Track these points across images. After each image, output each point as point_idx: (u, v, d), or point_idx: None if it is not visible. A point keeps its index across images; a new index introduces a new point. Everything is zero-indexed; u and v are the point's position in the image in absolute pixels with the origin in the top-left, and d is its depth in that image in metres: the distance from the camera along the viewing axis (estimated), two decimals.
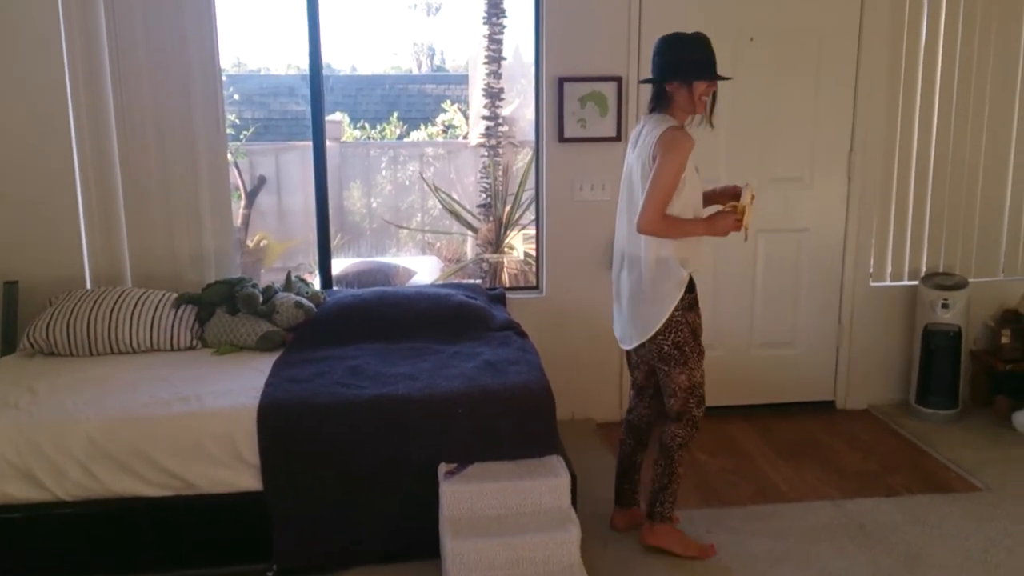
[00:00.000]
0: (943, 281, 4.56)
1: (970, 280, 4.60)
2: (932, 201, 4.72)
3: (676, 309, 3.10)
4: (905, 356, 4.75)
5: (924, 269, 4.77)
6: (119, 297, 3.84)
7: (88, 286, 4.12)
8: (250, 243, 7.22)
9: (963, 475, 3.95)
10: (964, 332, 4.52)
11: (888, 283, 4.78)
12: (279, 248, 7.38)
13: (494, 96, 7.03)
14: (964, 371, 4.62)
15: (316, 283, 4.60)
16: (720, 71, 3.07)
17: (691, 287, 3.14)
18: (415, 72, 11.40)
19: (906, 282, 4.77)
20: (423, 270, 6.90)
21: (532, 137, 4.65)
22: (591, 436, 4.45)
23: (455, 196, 7.56)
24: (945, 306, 4.46)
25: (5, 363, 3.70)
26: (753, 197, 3.06)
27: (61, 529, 3.05)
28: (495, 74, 7.01)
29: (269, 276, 6.66)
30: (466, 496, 3.03)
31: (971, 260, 4.81)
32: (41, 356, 3.76)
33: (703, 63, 3.06)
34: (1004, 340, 4.62)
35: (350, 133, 9.34)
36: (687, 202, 3.06)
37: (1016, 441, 4.30)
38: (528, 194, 6.15)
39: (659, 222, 2.98)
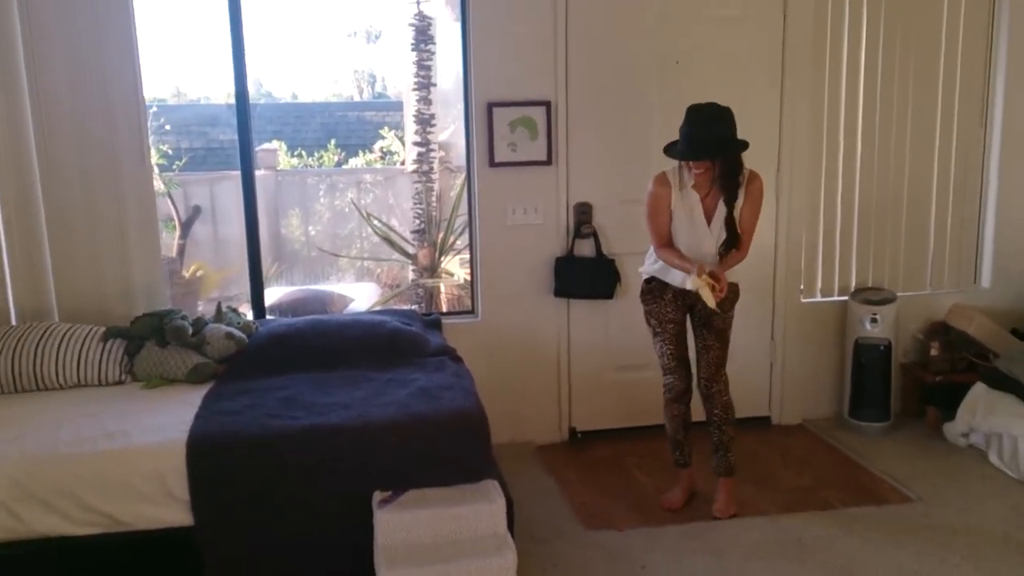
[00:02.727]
0: (872, 296, 4.66)
1: (898, 294, 4.72)
2: (859, 218, 4.84)
3: (640, 293, 3.79)
4: (837, 371, 4.85)
5: (853, 285, 4.88)
6: (44, 332, 3.74)
7: (13, 322, 4.01)
8: (186, 273, 7.11)
9: (896, 486, 4.02)
10: (894, 345, 4.62)
11: (819, 299, 4.87)
12: (216, 278, 7.27)
13: (425, 122, 7.03)
14: (895, 384, 4.73)
15: (249, 313, 4.53)
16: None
17: (651, 281, 3.75)
18: (356, 99, 11.39)
19: (836, 298, 4.87)
20: (360, 297, 6.85)
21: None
22: (530, 459, 4.45)
23: (394, 222, 7.53)
24: (874, 321, 4.56)
25: None
26: (709, 285, 3.39)
27: None
28: (425, 100, 7.01)
29: (207, 307, 6.55)
30: (401, 524, 3.00)
31: (899, 275, 4.94)
32: None
33: (681, 139, 3.50)
34: (933, 352, 4.74)
35: (287, 161, 9.27)
36: (676, 236, 3.62)
37: (947, 451, 4.40)
38: (462, 219, 6.16)
39: (655, 249, 3.67)
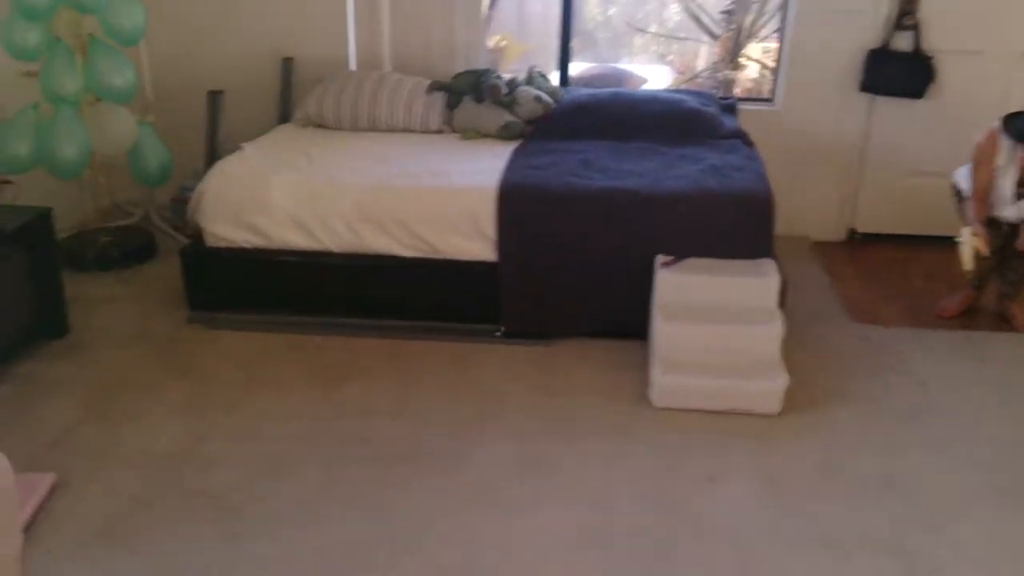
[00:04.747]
0: None
1: None
2: None
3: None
4: None
5: None
6: (380, 79, 4.22)
7: (352, 67, 4.54)
8: (490, 43, 7.44)
9: None
10: None
11: None
12: (517, 49, 7.54)
13: None
14: None
15: (555, 80, 4.79)
16: None
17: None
18: None
19: None
20: (654, 80, 6.90)
21: None
22: (806, 252, 4.52)
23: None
24: None
25: (283, 130, 4.23)
26: (975, 248, 3.50)
27: (328, 274, 3.57)
28: None
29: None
30: (680, 285, 3.26)
31: None
32: (312, 127, 4.26)
33: None
34: None
35: None
36: (995, 186, 3.53)
37: None
38: (776, 1, 5.91)
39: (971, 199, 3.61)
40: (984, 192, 3.55)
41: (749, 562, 2.36)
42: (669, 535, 2.45)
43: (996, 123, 3.49)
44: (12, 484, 1.60)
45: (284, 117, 4.49)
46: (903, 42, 4.29)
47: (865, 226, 4.70)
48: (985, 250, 3.48)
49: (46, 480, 2.55)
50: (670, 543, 2.42)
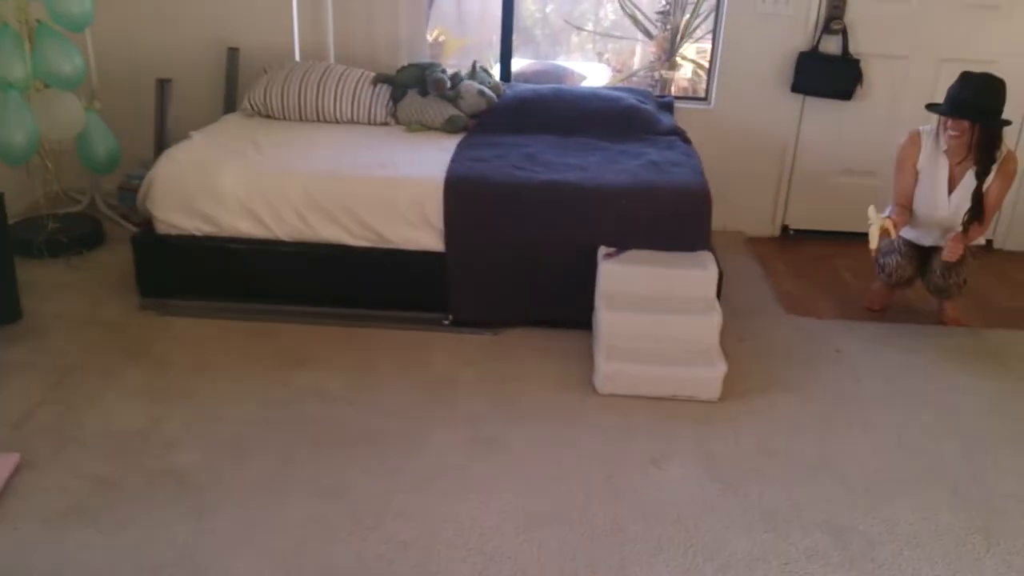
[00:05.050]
0: None
1: None
2: None
3: None
4: None
5: None
6: (325, 71, 4.26)
7: (296, 58, 4.56)
8: (429, 37, 7.49)
9: None
10: None
11: None
12: (456, 44, 7.61)
13: None
14: None
15: (496, 75, 4.88)
16: None
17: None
18: None
19: None
20: (592, 77, 7.04)
21: None
22: (741, 247, 4.69)
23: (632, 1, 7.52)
24: None
25: (229, 120, 4.23)
26: (883, 229, 3.53)
27: (279, 262, 3.59)
28: None
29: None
30: (622, 276, 3.38)
31: None
32: (258, 117, 4.26)
33: (947, 99, 3.53)
34: None
35: None
36: (916, 198, 3.71)
37: None
38: (710, 3, 6.10)
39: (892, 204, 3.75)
40: (907, 196, 3.72)
41: (692, 540, 2.47)
42: (615, 514, 2.55)
43: (919, 127, 3.68)
44: None
45: (230, 107, 4.48)
46: (831, 45, 4.48)
47: (797, 222, 4.89)
48: (893, 233, 3.58)
49: (11, 460, 2.56)
50: (617, 522, 2.52)
